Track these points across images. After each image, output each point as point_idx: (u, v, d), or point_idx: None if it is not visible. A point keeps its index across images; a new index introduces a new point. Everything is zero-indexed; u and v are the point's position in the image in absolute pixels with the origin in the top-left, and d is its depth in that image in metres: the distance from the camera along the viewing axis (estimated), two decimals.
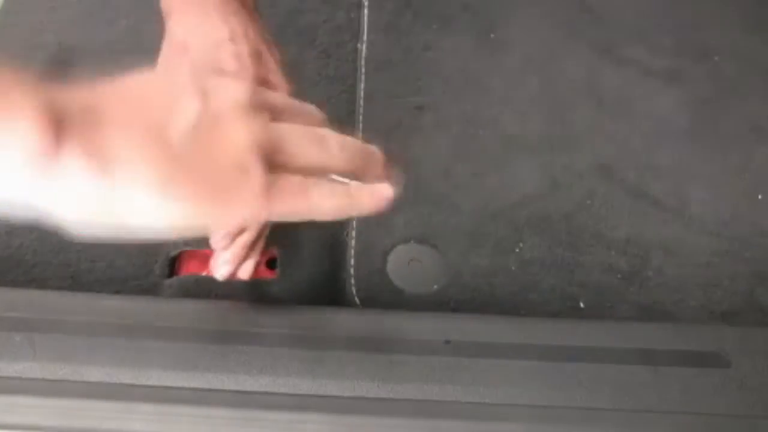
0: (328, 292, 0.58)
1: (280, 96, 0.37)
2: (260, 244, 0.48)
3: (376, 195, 0.37)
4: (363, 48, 0.72)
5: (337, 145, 0.36)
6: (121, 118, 0.31)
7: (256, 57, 0.46)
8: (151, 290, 0.55)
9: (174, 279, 0.56)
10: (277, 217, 0.34)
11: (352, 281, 0.58)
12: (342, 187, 0.37)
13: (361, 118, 0.68)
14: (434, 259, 0.60)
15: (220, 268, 0.46)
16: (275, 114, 0.35)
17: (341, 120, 0.68)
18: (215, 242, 0.44)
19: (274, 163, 0.33)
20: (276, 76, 0.46)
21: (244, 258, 0.45)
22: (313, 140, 0.35)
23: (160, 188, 0.31)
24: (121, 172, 0.30)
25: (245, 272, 0.48)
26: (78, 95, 0.31)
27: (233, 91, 0.33)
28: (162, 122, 0.32)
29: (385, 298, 0.57)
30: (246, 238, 0.44)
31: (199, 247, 0.58)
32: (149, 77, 0.34)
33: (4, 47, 0.71)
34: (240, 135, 0.32)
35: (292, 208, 0.34)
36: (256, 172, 0.32)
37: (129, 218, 0.31)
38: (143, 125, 0.31)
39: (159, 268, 0.56)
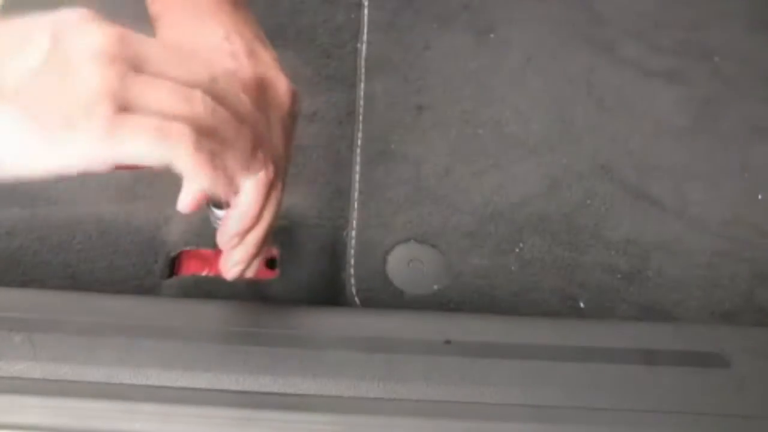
0: (328, 292, 0.58)
1: (161, 52, 0.36)
2: (267, 242, 0.47)
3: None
4: (363, 48, 0.73)
5: (205, 106, 0.35)
6: None
7: (253, 55, 0.46)
8: (151, 290, 0.55)
9: (174, 279, 0.56)
10: (127, 159, 0.34)
11: (352, 281, 0.58)
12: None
13: (361, 118, 0.68)
14: (434, 259, 0.60)
15: (231, 269, 0.45)
16: (147, 66, 0.35)
17: (341, 120, 0.68)
18: (223, 242, 0.43)
19: (129, 107, 0.33)
20: (274, 72, 0.46)
21: (255, 256, 0.45)
22: (180, 97, 0.35)
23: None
24: None
25: (251, 271, 0.48)
26: None
27: (91, 37, 0.33)
28: (7, 56, 0.32)
29: (385, 298, 0.57)
30: (257, 236, 0.44)
31: (199, 247, 0.58)
32: (6, 21, 0.34)
33: None
34: (88, 80, 0.32)
35: (140, 149, 0.34)
36: (101, 114, 0.32)
37: None
38: None
39: (159, 268, 0.56)
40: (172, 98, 0.34)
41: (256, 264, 0.48)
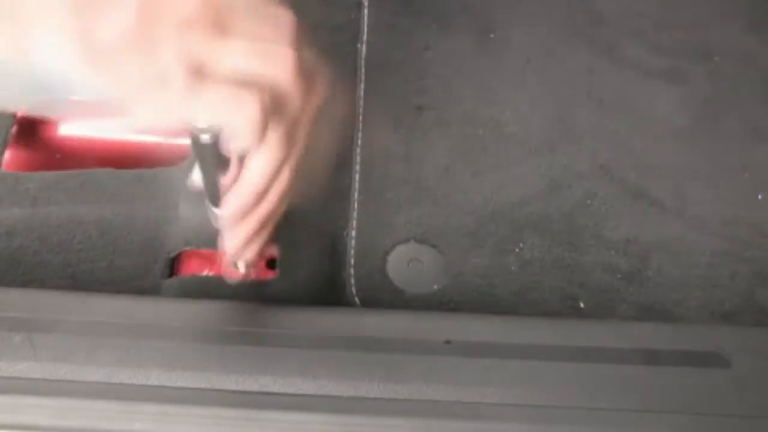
0: (328, 292, 0.58)
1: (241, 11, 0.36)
2: (269, 228, 0.47)
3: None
4: (363, 48, 0.72)
5: (277, 73, 0.36)
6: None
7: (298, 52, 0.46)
8: (151, 290, 0.55)
9: (174, 279, 0.56)
10: (198, 124, 0.35)
11: (352, 281, 0.58)
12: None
13: (361, 118, 0.68)
14: (434, 259, 0.60)
15: (230, 248, 0.45)
16: (228, 25, 0.35)
17: (341, 120, 0.68)
18: (225, 216, 0.43)
19: (205, 72, 0.34)
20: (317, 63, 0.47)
21: (255, 237, 0.45)
22: (254, 63, 0.36)
23: (75, 67, 0.33)
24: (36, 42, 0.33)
25: (250, 257, 0.47)
26: None
27: (184, 5, 0.33)
28: (96, 16, 0.32)
29: (385, 298, 0.57)
30: (259, 215, 0.44)
31: (199, 247, 0.58)
32: None
33: None
34: (169, 47, 0.33)
35: (209, 118, 0.35)
36: (176, 85, 0.33)
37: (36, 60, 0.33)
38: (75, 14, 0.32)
39: (159, 268, 0.56)
40: (246, 63, 0.35)
41: (254, 250, 0.48)
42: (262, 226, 0.44)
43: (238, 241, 0.44)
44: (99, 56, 0.33)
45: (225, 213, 0.42)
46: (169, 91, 0.33)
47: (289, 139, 0.42)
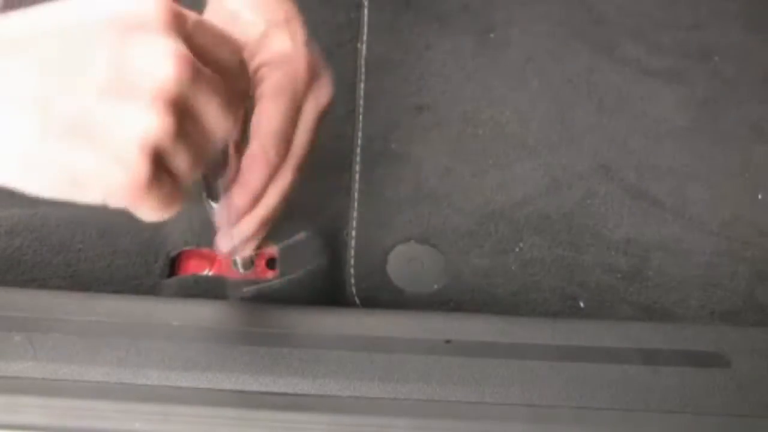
0: (328, 292, 0.58)
1: (215, 84, 0.32)
2: (265, 231, 0.46)
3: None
4: (363, 48, 0.72)
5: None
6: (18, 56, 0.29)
7: (308, 44, 0.45)
8: (151, 290, 0.55)
9: (174, 279, 0.56)
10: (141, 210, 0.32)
11: (352, 281, 0.58)
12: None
13: (361, 118, 0.68)
14: (434, 259, 0.60)
15: (225, 244, 0.45)
16: (197, 101, 0.31)
17: (341, 120, 0.68)
18: (221, 217, 0.43)
19: (161, 160, 0.31)
20: (322, 65, 0.46)
21: (253, 237, 0.45)
22: (206, 147, 0.33)
23: (22, 157, 0.29)
24: None
25: (247, 248, 0.47)
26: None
27: (163, 71, 0.29)
28: (58, 80, 0.29)
29: (385, 298, 0.57)
30: (255, 218, 0.44)
31: (199, 246, 0.58)
32: (71, 12, 0.30)
33: None
34: (137, 130, 0.29)
35: (152, 213, 0.32)
36: (134, 174, 0.30)
37: None
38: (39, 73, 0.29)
39: (159, 268, 0.56)
40: (199, 157, 0.32)
41: (251, 248, 0.48)
42: (263, 224, 0.44)
43: (239, 238, 0.45)
44: (56, 131, 0.29)
45: (227, 209, 0.42)
46: (120, 181, 0.30)
47: (287, 139, 0.42)
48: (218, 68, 0.32)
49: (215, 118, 0.32)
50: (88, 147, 0.29)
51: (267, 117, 0.42)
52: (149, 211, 0.32)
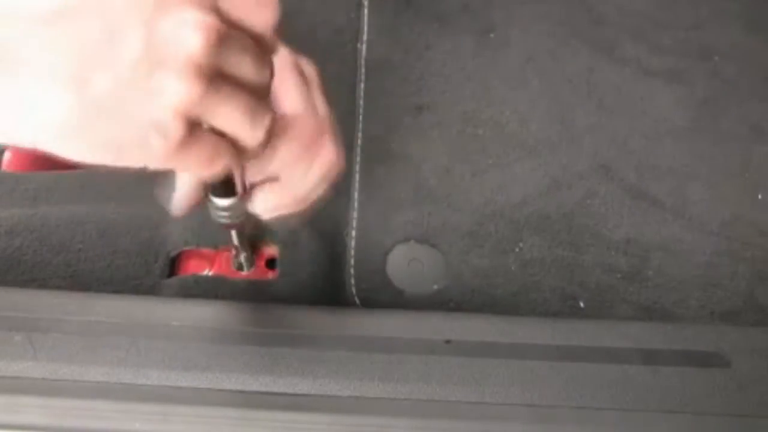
0: (328, 292, 0.58)
1: (248, 57, 0.34)
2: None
3: None
4: (363, 48, 0.72)
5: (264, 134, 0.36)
6: (45, 42, 0.30)
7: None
8: (151, 290, 0.55)
9: (174, 279, 0.56)
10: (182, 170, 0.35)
11: (352, 281, 0.58)
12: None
13: (361, 118, 0.68)
14: (434, 259, 0.60)
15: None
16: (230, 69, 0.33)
17: (341, 120, 0.68)
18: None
19: (198, 122, 0.33)
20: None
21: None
22: (245, 119, 0.34)
23: (60, 128, 0.31)
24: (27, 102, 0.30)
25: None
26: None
27: (191, 41, 0.30)
28: (93, 56, 0.30)
29: (385, 298, 0.57)
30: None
31: (199, 246, 0.58)
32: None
33: None
34: (171, 98, 0.31)
35: (197, 169, 0.34)
36: (172, 138, 0.31)
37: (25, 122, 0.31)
38: (69, 55, 0.30)
39: (159, 268, 0.56)
40: (240, 120, 0.34)
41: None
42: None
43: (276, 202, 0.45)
44: (93, 105, 0.30)
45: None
46: (157, 148, 0.32)
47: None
48: (249, 32, 0.34)
49: (249, 74, 0.34)
50: (124, 117, 0.31)
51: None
52: (192, 170, 0.35)
